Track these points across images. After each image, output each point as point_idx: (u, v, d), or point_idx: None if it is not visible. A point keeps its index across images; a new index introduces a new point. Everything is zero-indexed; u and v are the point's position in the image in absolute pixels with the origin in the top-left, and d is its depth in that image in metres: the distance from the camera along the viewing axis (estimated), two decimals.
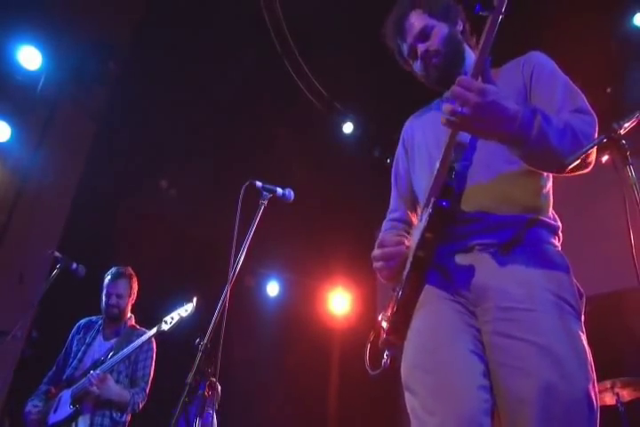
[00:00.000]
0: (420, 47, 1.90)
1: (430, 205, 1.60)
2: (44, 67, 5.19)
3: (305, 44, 6.53)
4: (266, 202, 2.97)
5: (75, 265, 3.84)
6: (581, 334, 1.55)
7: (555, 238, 1.74)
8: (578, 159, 1.46)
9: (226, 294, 2.61)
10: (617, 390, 4.48)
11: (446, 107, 1.45)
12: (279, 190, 3.04)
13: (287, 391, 7.15)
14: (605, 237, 4.91)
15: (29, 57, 5.09)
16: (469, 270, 1.63)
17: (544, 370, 1.44)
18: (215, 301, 2.61)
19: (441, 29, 1.91)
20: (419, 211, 1.93)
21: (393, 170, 2.17)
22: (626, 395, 4.54)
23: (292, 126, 6.64)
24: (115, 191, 6.08)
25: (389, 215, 2.12)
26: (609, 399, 4.55)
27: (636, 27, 5.49)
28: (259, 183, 2.97)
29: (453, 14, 1.97)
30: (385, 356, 1.80)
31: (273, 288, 8.17)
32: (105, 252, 5.37)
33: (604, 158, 2.08)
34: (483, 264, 1.63)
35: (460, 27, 1.97)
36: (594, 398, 1.45)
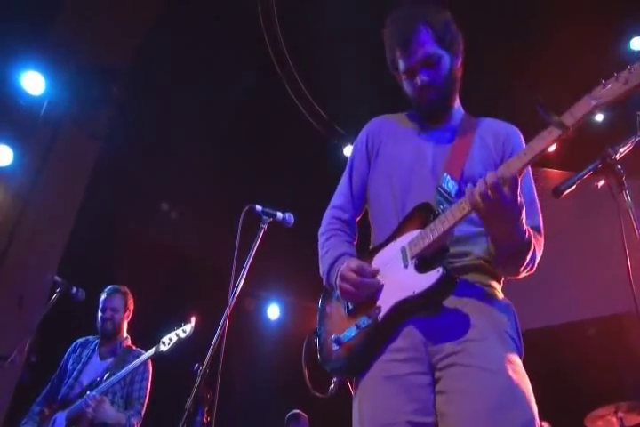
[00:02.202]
0: (423, 77, 1.85)
1: (440, 272, 1.58)
2: (47, 92, 5.24)
3: (305, 66, 6.60)
4: (266, 226, 2.97)
5: (74, 289, 3.85)
6: (522, 370, 1.61)
7: (498, 284, 1.81)
8: (573, 186, 1.49)
9: (225, 318, 2.60)
10: (621, 414, 4.45)
11: (481, 188, 1.48)
12: (279, 214, 3.04)
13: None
14: (603, 260, 4.91)
15: (33, 82, 5.15)
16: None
17: (495, 392, 1.50)
18: (215, 324, 2.60)
19: (446, 63, 1.88)
20: (377, 231, 1.95)
21: (349, 164, 2.12)
22: (630, 419, 4.51)
23: (292, 149, 6.67)
24: (115, 215, 6.09)
25: (337, 211, 2.07)
26: (612, 424, 4.51)
27: (633, 51, 5.55)
28: (259, 207, 2.97)
29: (457, 46, 1.94)
30: (332, 383, 1.82)
31: (274, 311, 8.12)
32: (105, 276, 5.36)
33: (600, 183, 2.10)
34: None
35: (459, 61, 1.95)
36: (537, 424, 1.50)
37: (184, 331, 3.59)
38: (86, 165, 5.82)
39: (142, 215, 6.45)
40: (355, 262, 1.77)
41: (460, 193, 1.73)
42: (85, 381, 3.74)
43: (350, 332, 1.75)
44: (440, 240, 1.63)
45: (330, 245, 1.97)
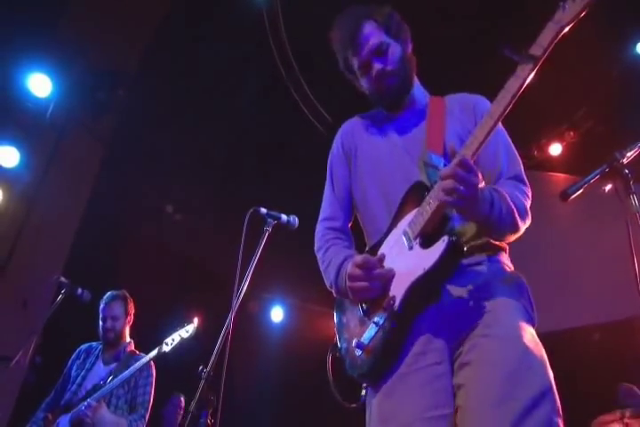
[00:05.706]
0: (377, 65, 1.87)
1: (446, 240, 1.55)
2: (54, 94, 5.26)
3: (309, 69, 6.61)
4: (270, 229, 2.96)
5: (80, 290, 3.84)
6: (537, 339, 1.58)
7: (508, 260, 1.79)
8: (580, 190, 1.48)
9: (230, 321, 2.60)
10: (627, 420, 4.41)
11: (447, 184, 1.47)
12: (284, 217, 3.03)
13: (293, 419, 7.06)
14: (610, 265, 4.89)
15: (40, 84, 5.17)
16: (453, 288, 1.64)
17: (511, 360, 1.47)
18: (219, 327, 2.59)
19: (396, 49, 1.91)
20: (370, 232, 1.93)
21: (329, 171, 2.11)
22: (636, 425, 4.46)
23: (296, 152, 6.68)
24: (120, 217, 6.10)
25: (328, 222, 2.04)
26: None
27: (639, 55, 5.55)
28: (263, 210, 2.97)
29: (404, 33, 1.97)
30: (363, 389, 1.74)
31: (277, 314, 8.13)
32: (109, 277, 5.37)
33: (607, 187, 2.09)
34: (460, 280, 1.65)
35: (409, 48, 1.97)
36: (555, 393, 1.47)
37: (187, 331, 3.62)
38: (92, 167, 5.85)
39: (147, 217, 6.46)
40: (358, 258, 1.72)
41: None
42: (89, 386, 3.73)
43: (370, 332, 1.67)
44: (439, 211, 1.58)
45: (330, 256, 1.93)
